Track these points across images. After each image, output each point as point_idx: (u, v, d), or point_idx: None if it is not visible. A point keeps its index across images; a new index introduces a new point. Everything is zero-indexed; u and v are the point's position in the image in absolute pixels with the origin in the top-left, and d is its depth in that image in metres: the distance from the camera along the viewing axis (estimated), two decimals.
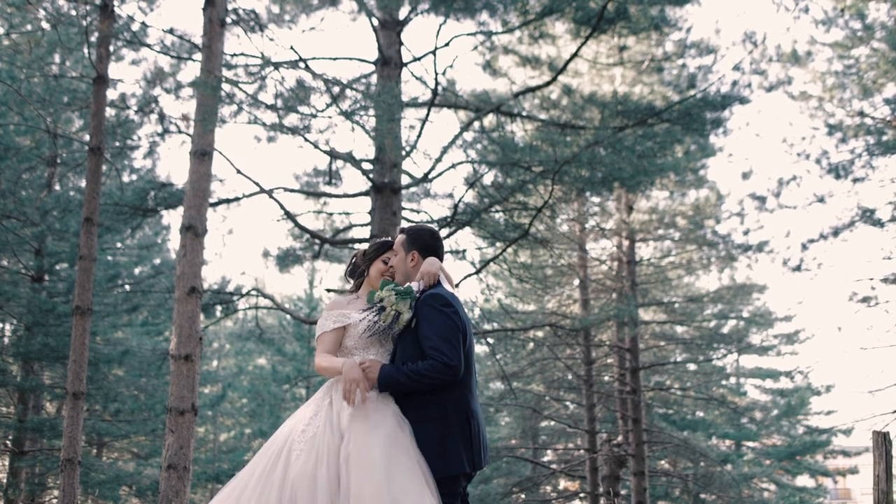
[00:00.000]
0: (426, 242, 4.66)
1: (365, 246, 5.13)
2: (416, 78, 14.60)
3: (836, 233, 15.95)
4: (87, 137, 13.02)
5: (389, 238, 4.82)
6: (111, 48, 12.34)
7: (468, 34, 13.87)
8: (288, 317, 30.07)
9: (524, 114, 14.44)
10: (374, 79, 14.46)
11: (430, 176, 13.82)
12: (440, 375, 4.16)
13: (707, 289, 26.21)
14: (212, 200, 13.22)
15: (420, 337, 4.30)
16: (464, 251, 15.45)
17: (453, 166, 13.91)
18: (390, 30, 14.09)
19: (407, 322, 4.38)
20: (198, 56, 13.73)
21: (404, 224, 5.34)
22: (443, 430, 4.18)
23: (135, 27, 14.08)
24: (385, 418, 4.18)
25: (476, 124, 14.32)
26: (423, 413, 4.23)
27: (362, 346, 4.46)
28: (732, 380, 31.95)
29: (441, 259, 4.67)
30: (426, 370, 4.16)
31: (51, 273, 19.77)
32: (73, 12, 13.83)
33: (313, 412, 4.33)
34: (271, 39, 14.11)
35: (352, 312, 4.53)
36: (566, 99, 14.88)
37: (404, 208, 14.34)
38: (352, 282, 4.92)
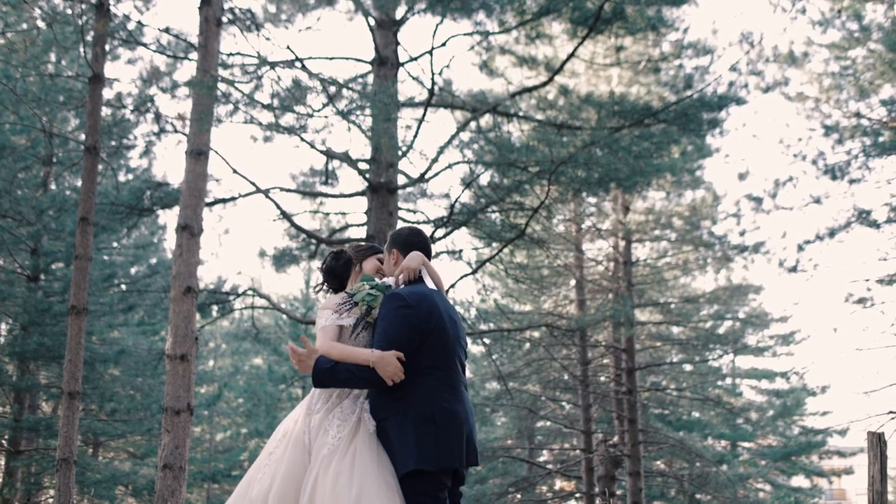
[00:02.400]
0: (405, 239, 4.65)
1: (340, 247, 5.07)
2: (413, 78, 14.62)
3: (832, 234, 15.98)
4: (83, 137, 12.99)
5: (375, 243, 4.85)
6: (107, 47, 12.33)
7: (465, 34, 13.87)
8: (284, 317, 30.04)
9: (521, 114, 14.44)
10: (370, 79, 14.46)
11: (426, 176, 13.82)
12: (368, 376, 4.17)
13: (703, 289, 26.22)
14: (208, 200, 13.20)
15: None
16: (460, 251, 15.45)
17: (450, 166, 13.91)
18: (387, 29, 14.09)
19: (376, 318, 4.38)
20: (194, 55, 13.73)
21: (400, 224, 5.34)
22: (400, 427, 4.14)
23: (131, 26, 14.06)
24: (361, 441, 4.16)
25: (473, 124, 14.31)
26: (386, 411, 4.20)
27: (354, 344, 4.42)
28: (728, 380, 31.96)
29: (426, 256, 4.65)
30: (357, 371, 4.18)
31: (47, 272, 19.74)
32: (69, 11, 13.81)
33: (283, 433, 4.33)
34: (268, 39, 14.12)
35: (345, 315, 4.47)
36: (563, 99, 14.89)
37: (401, 208, 14.34)
38: (325, 282, 4.88)
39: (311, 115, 13.73)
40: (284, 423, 4.38)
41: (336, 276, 4.79)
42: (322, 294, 4.91)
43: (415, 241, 4.66)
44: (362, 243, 4.89)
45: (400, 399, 4.17)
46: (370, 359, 4.15)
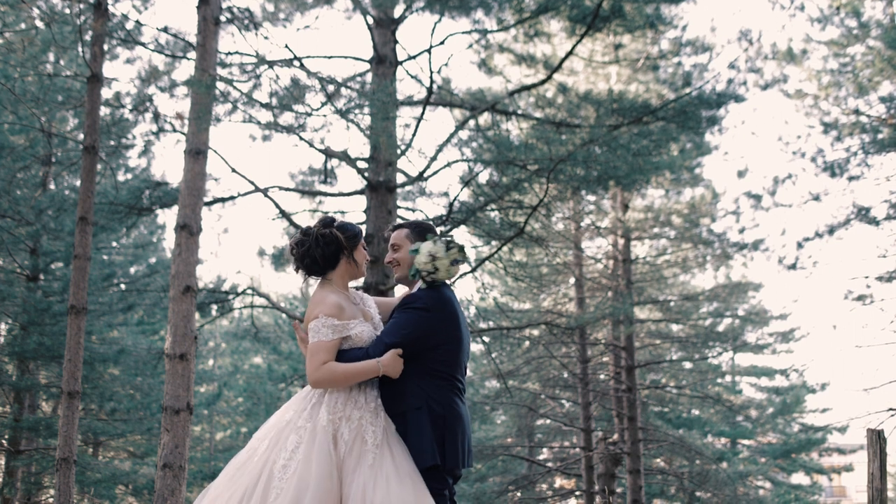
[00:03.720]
0: (432, 235, 4.63)
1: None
2: (412, 76, 14.60)
3: (831, 231, 15.98)
4: (82, 136, 12.99)
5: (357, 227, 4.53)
6: (105, 47, 12.32)
7: (463, 32, 13.87)
8: (284, 316, 30.02)
9: (519, 112, 14.43)
10: (369, 77, 14.45)
11: (425, 174, 13.81)
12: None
13: (702, 287, 26.24)
14: (207, 199, 13.19)
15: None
16: None
17: (448, 165, 13.90)
18: (385, 28, 14.08)
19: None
20: (192, 55, 13.72)
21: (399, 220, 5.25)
22: (415, 424, 4.19)
23: (129, 26, 14.05)
24: (392, 441, 4.16)
25: (471, 123, 14.31)
26: (400, 407, 4.24)
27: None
28: (728, 378, 31.98)
29: None
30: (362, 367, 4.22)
31: (46, 272, 19.73)
32: (67, 11, 13.80)
33: (295, 443, 4.05)
34: (266, 38, 14.09)
35: (349, 323, 4.24)
36: (561, 97, 14.88)
37: (399, 207, 14.33)
38: (306, 265, 4.42)
39: (309, 114, 13.72)
40: (292, 433, 4.10)
41: (329, 261, 4.40)
42: (304, 278, 4.46)
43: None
44: (346, 226, 4.43)
45: (414, 396, 4.23)
46: (380, 370, 4.16)
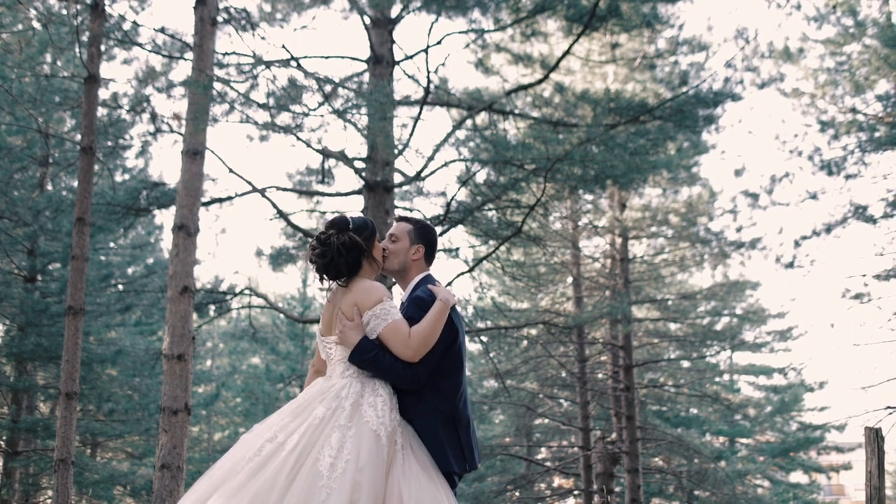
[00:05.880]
0: (433, 241, 4.65)
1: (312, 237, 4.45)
2: (409, 76, 14.60)
3: (828, 229, 16.00)
4: (79, 137, 13.00)
5: (350, 214, 4.49)
6: (102, 47, 12.32)
7: (460, 32, 13.88)
8: (281, 316, 30.03)
9: (516, 112, 14.44)
10: (366, 77, 14.45)
11: (422, 174, 13.81)
12: (401, 374, 4.18)
13: (700, 286, 26.26)
14: (204, 200, 13.18)
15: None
16: (457, 249, 15.45)
17: (446, 164, 13.90)
18: (382, 28, 14.08)
19: None
20: (189, 55, 13.72)
21: (401, 213, 5.25)
22: (427, 429, 4.19)
23: (126, 26, 14.05)
24: (412, 437, 4.17)
25: (468, 122, 14.31)
26: (411, 412, 4.22)
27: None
28: (726, 377, 32.01)
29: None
30: (396, 365, 4.17)
31: (43, 273, 19.72)
32: (64, 12, 13.80)
33: (338, 441, 3.92)
34: (263, 38, 14.10)
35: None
36: (558, 97, 14.89)
37: (397, 207, 14.33)
38: (329, 278, 4.36)
39: (306, 114, 13.72)
40: (335, 432, 3.98)
41: (352, 268, 4.38)
42: (327, 284, 4.39)
43: (437, 244, 4.71)
44: (359, 225, 4.43)
45: (424, 400, 4.22)
46: (445, 305, 4.21)
